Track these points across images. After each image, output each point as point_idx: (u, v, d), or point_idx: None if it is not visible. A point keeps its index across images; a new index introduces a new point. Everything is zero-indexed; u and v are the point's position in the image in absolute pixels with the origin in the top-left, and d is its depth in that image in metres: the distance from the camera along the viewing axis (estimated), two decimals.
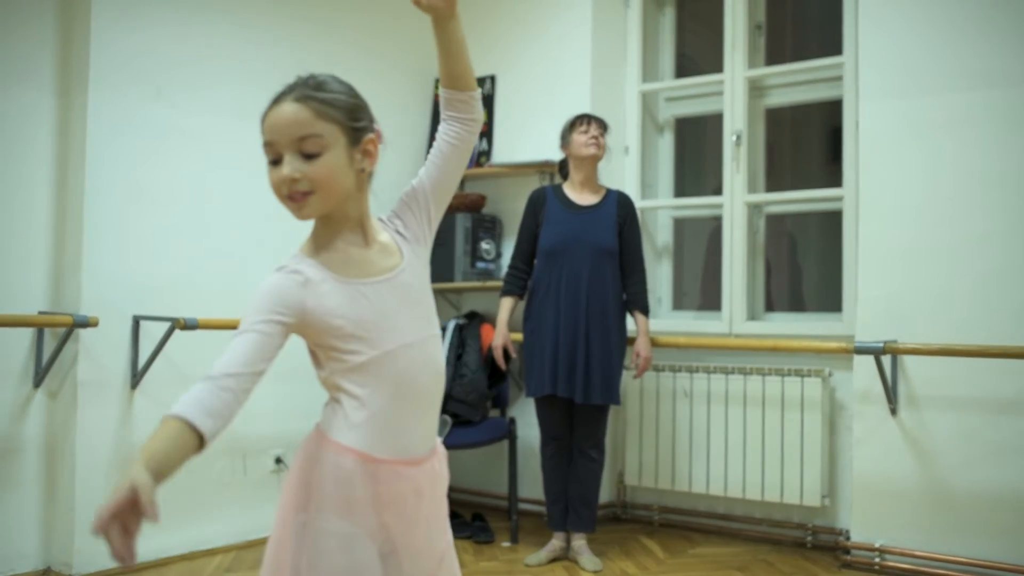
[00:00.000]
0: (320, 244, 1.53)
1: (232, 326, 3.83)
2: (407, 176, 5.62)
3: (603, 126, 3.95)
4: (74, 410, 3.60)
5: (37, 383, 3.59)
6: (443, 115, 1.71)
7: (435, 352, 1.57)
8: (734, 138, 4.41)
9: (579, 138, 3.89)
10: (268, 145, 1.49)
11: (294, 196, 1.48)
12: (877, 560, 3.76)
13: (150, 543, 3.72)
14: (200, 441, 1.32)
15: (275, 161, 1.48)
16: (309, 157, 1.47)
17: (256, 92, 4.20)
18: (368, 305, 1.49)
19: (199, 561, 3.85)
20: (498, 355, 4.03)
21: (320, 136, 1.47)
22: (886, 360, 3.72)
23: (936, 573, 3.62)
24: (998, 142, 3.59)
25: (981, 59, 3.64)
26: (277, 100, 1.50)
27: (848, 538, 3.89)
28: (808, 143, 5.40)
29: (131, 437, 3.73)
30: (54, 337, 3.61)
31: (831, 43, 4.35)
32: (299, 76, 1.53)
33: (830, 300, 4.57)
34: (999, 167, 3.59)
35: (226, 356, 1.37)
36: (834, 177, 4.37)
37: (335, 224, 1.54)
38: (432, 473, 1.56)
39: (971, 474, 3.60)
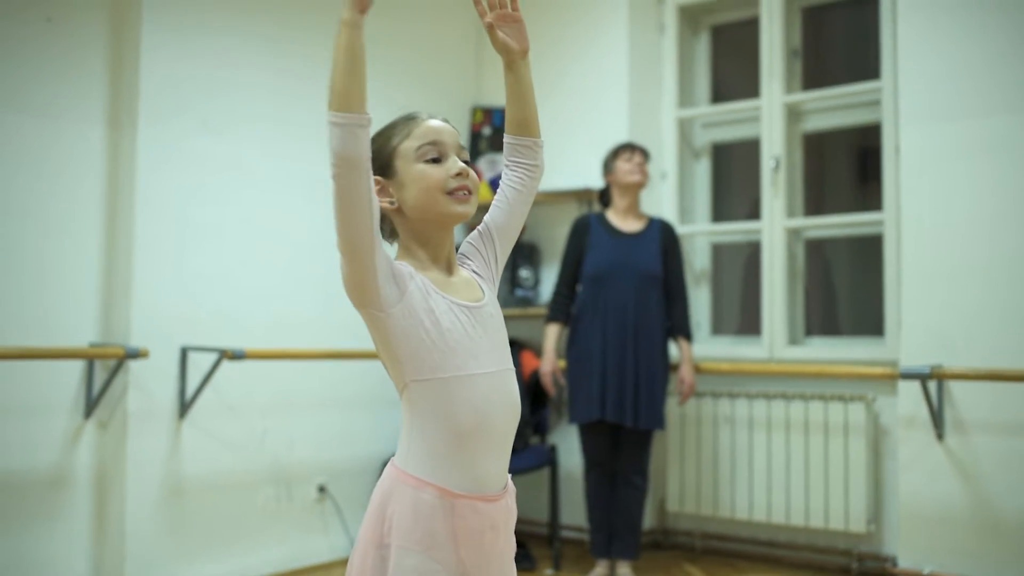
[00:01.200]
0: (411, 265, 1.57)
1: (278, 356, 3.89)
2: None
3: (646, 154, 3.98)
4: (124, 441, 3.64)
5: (88, 414, 3.64)
6: (507, 161, 1.74)
7: (512, 386, 1.60)
8: (773, 163, 4.42)
9: (624, 166, 3.92)
10: (434, 144, 1.56)
11: (466, 188, 1.55)
12: None
13: (197, 572, 3.78)
14: (362, 107, 1.43)
15: (436, 160, 1.56)
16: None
17: (301, 126, 4.30)
18: (458, 322, 1.53)
19: None
20: (547, 382, 4.04)
21: (467, 151, 1.61)
22: (932, 385, 3.71)
23: None
24: None
25: (1021, 81, 3.64)
26: (421, 116, 1.61)
27: (895, 564, 3.87)
28: (839, 167, 5.40)
29: (180, 467, 3.77)
30: (104, 368, 3.65)
31: (863, 68, 4.37)
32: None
33: (866, 324, 4.56)
34: None
35: None
36: (865, 200, 4.37)
37: (422, 248, 1.58)
38: (506, 510, 1.58)
39: (1020, 499, 3.58)
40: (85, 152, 3.68)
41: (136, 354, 3.54)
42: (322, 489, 4.28)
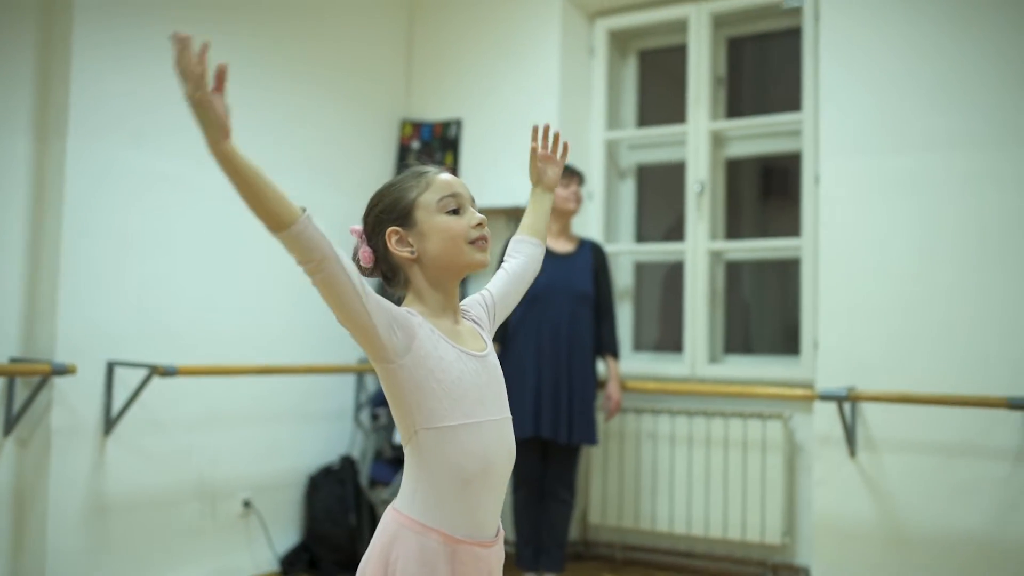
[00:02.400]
0: (428, 316, 1.61)
1: (210, 372, 3.84)
2: None
3: (582, 180, 4.07)
4: (46, 459, 3.53)
5: (7, 431, 3.52)
6: (511, 250, 1.91)
7: (510, 434, 1.65)
8: (698, 187, 4.57)
9: (560, 192, 3.99)
10: (453, 197, 1.62)
11: (485, 238, 1.63)
12: None
13: None
14: (298, 213, 1.44)
15: (455, 211, 1.61)
16: None
17: (234, 139, 4.23)
18: (465, 372, 1.57)
19: None
20: None
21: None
22: (846, 405, 3.91)
23: None
24: (954, 201, 3.81)
25: (938, 120, 3.86)
26: (434, 169, 1.68)
27: (809, 575, 4.05)
28: (751, 186, 5.61)
29: (104, 485, 3.68)
30: (25, 384, 3.54)
31: (785, 98, 4.56)
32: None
33: (780, 343, 4.76)
34: (955, 224, 3.81)
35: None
36: (774, 216, 4.56)
37: (437, 295, 1.63)
38: (500, 554, 1.63)
39: (927, 514, 3.80)
40: (9, 164, 3.56)
41: (64, 370, 3.44)
42: (247, 504, 4.24)
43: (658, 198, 5.21)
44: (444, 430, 1.53)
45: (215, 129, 1.37)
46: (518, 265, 1.88)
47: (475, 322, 1.73)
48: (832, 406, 3.92)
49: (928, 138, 3.87)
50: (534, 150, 1.90)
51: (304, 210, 1.42)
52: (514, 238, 1.93)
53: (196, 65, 1.36)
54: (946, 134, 3.84)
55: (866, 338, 3.95)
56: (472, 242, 1.62)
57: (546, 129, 1.93)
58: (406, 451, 1.58)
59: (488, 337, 1.72)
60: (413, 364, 1.52)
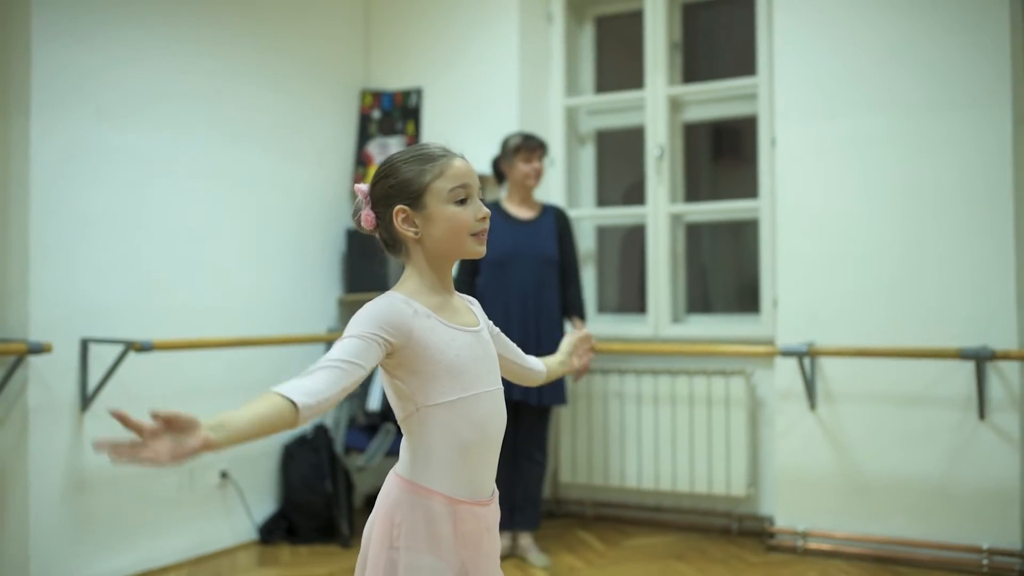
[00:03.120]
0: (415, 290, 1.67)
1: (184, 346, 3.87)
2: (333, 189, 5.75)
3: (545, 151, 4.14)
4: (25, 437, 3.56)
5: None
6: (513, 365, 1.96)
7: (502, 403, 1.74)
8: (657, 152, 4.67)
9: (523, 167, 4.06)
10: (464, 187, 1.66)
11: (485, 231, 1.69)
12: (800, 543, 4.10)
13: (103, 564, 3.75)
14: (295, 411, 1.41)
15: (462, 201, 1.66)
16: None
17: (197, 112, 4.26)
18: (462, 348, 1.65)
19: None
20: None
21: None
22: (806, 360, 4.06)
23: (853, 552, 4.00)
24: (908, 161, 3.96)
25: (890, 83, 3.99)
26: (449, 154, 1.68)
27: (773, 523, 4.23)
28: (707, 147, 5.72)
29: (82, 461, 3.72)
30: (1, 364, 3.55)
31: (741, 63, 4.66)
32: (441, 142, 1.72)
33: (741, 302, 4.90)
34: (904, 184, 3.97)
35: (336, 349, 1.52)
36: (744, 187, 4.68)
37: (434, 275, 1.69)
38: (496, 512, 1.73)
39: (883, 461, 3.98)
40: None
41: (39, 349, 3.46)
42: (224, 475, 4.30)
43: (618, 163, 5.30)
44: (445, 405, 1.61)
45: (200, 449, 1.30)
46: (521, 361, 1.97)
47: (469, 302, 1.79)
48: (792, 361, 4.08)
49: (880, 100, 4.01)
50: (576, 349, 2.10)
51: (293, 403, 1.41)
52: (535, 361, 2.02)
53: (161, 456, 1.27)
54: (897, 96, 3.98)
55: (823, 295, 4.10)
56: (474, 234, 1.68)
57: (589, 344, 2.14)
58: (405, 424, 1.65)
59: (481, 315, 1.79)
60: (408, 358, 1.59)
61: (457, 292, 1.77)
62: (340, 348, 1.52)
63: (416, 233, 1.66)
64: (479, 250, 1.69)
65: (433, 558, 1.61)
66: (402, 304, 1.62)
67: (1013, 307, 3.78)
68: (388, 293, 1.66)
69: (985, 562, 3.77)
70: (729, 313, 4.87)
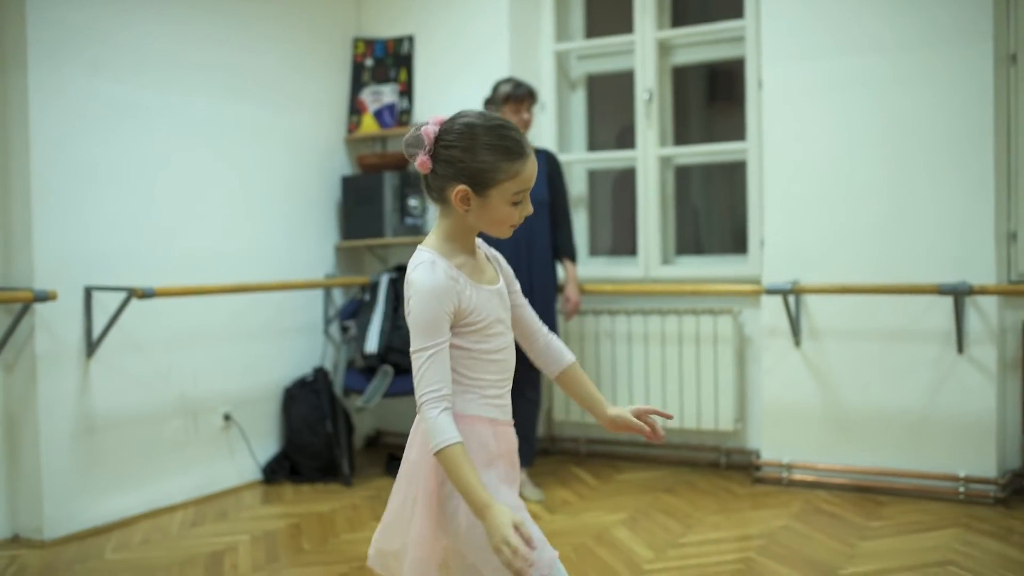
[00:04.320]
0: (450, 250, 1.78)
1: (186, 292, 3.97)
2: (328, 138, 5.81)
3: (534, 100, 4.19)
4: (33, 383, 3.68)
5: None
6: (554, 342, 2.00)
7: (514, 345, 1.89)
8: (646, 95, 4.73)
9: (512, 117, 4.12)
10: (525, 191, 1.76)
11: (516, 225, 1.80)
12: (785, 474, 4.25)
13: (114, 504, 3.90)
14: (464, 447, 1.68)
15: (516, 203, 1.75)
16: None
17: (192, 63, 4.32)
18: (490, 306, 1.79)
19: (163, 518, 4.02)
20: None
21: None
22: (791, 298, 4.17)
23: (836, 482, 4.14)
24: (890, 101, 4.03)
25: (871, 25, 4.05)
26: (526, 154, 1.74)
27: (759, 457, 4.37)
28: (699, 92, 5.77)
29: (90, 405, 3.85)
30: (7, 312, 3.67)
31: (729, 5, 4.70)
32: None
33: (731, 243, 4.99)
34: (887, 124, 4.03)
35: (430, 371, 1.69)
36: (734, 129, 4.75)
37: (466, 237, 1.80)
38: (515, 434, 1.91)
39: (865, 395, 4.11)
40: None
41: (45, 296, 3.57)
42: (227, 417, 4.44)
43: (609, 107, 5.36)
44: (482, 351, 1.78)
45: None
46: (539, 335, 1.98)
47: (487, 257, 1.89)
48: (778, 300, 4.18)
49: (864, 40, 4.06)
50: (641, 421, 2.03)
51: (455, 443, 1.66)
52: (560, 352, 2.00)
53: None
54: (881, 36, 4.03)
55: (808, 235, 4.19)
56: (510, 226, 1.79)
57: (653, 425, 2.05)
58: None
59: (504, 269, 1.92)
60: (463, 318, 1.75)
61: (481, 251, 1.88)
62: (443, 369, 1.70)
63: (467, 211, 1.75)
64: (505, 235, 1.81)
65: (487, 473, 1.76)
66: (448, 282, 1.72)
67: (992, 244, 3.87)
68: (431, 260, 1.73)
69: (962, 489, 3.91)
70: (722, 254, 4.96)
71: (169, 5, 4.18)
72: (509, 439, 1.85)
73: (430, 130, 1.74)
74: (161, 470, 4.15)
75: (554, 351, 1.97)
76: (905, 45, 3.99)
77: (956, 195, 3.92)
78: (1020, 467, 3.99)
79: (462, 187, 1.71)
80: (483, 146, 1.70)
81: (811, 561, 3.28)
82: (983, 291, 3.74)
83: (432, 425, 1.66)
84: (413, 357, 1.70)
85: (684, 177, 5.15)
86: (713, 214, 5.51)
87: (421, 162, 1.74)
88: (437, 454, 1.65)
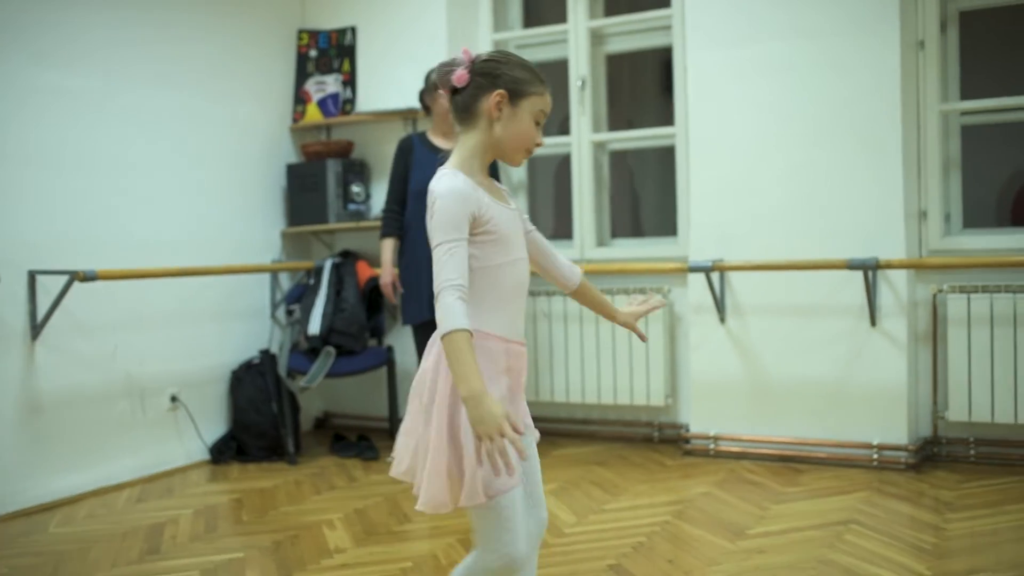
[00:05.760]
0: (469, 169, 1.92)
1: (129, 276, 4.10)
2: (273, 126, 5.92)
3: None
4: None
5: None
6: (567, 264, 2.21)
7: (528, 268, 2.03)
8: (579, 83, 4.89)
9: (443, 102, 4.23)
10: (544, 115, 1.94)
11: (531, 153, 1.98)
12: (712, 446, 4.42)
13: (61, 483, 4.03)
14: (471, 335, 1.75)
15: (537, 124, 1.94)
16: None
17: (136, 53, 4.42)
18: (506, 222, 1.93)
19: (109, 495, 4.15)
20: (388, 292, 4.40)
21: None
22: (715, 276, 4.34)
23: (759, 452, 4.32)
24: (807, 86, 4.20)
25: (791, 12, 4.22)
26: (547, 87, 1.94)
27: (688, 430, 4.54)
28: (642, 84, 5.94)
29: (36, 386, 3.97)
30: None
31: None
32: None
33: (667, 225, 5.15)
34: (807, 108, 4.21)
35: (449, 263, 1.78)
36: (668, 115, 4.91)
37: (484, 157, 1.94)
38: (526, 354, 2.04)
39: (785, 368, 4.29)
40: None
41: None
42: (174, 399, 4.56)
43: (556, 95, 5.50)
44: (493, 267, 1.90)
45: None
46: (555, 263, 2.17)
47: (506, 191, 2.06)
48: (703, 278, 4.35)
49: (780, 28, 4.24)
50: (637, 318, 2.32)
51: (463, 329, 1.73)
52: (571, 268, 2.21)
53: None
54: (796, 23, 4.20)
55: (732, 215, 4.37)
56: (526, 150, 1.95)
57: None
58: None
59: (513, 201, 2.07)
60: (475, 227, 1.87)
61: (493, 181, 2.03)
62: (461, 261, 1.79)
63: (497, 118, 1.91)
64: (518, 162, 1.99)
65: (495, 386, 1.88)
66: (470, 189, 1.86)
67: (902, 221, 4.05)
68: (453, 173, 1.87)
69: (875, 456, 4.10)
70: (660, 236, 5.12)
71: None
72: (519, 357, 1.96)
73: (469, 51, 1.95)
74: (109, 450, 4.27)
75: (567, 270, 2.18)
76: (820, 32, 4.16)
77: (868, 175, 4.10)
78: (931, 434, 4.19)
79: (500, 91, 1.89)
80: (520, 66, 1.92)
81: (724, 523, 3.45)
82: (888, 265, 3.93)
83: (447, 310, 1.73)
84: (434, 252, 1.79)
85: (626, 162, 5.30)
86: (652, 198, 5.68)
87: (459, 76, 1.90)
88: (444, 337, 1.72)
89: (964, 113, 4.26)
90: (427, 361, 1.91)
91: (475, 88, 1.90)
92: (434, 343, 1.90)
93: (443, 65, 1.94)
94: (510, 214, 1.95)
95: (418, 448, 1.88)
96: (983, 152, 4.64)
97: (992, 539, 3.17)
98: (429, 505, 1.83)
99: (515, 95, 1.89)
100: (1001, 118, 4.30)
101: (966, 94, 4.27)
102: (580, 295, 2.24)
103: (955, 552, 3.06)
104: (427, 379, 1.89)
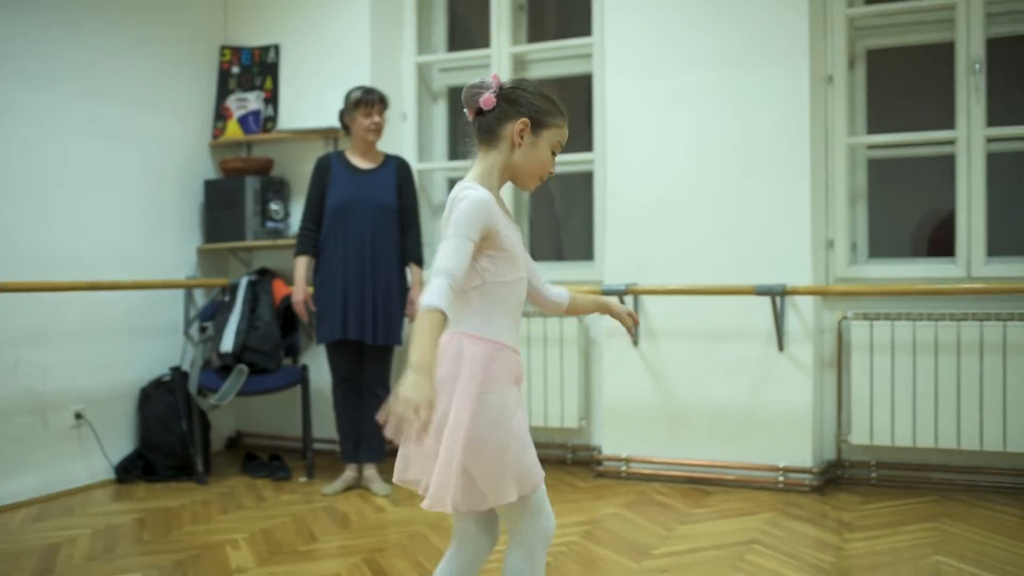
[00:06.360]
0: (488, 188, 1.98)
1: (35, 288, 3.99)
2: (192, 142, 5.88)
3: (385, 105, 4.34)
4: None
5: None
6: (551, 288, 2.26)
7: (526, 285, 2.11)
8: None
9: (363, 121, 4.26)
10: (560, 146, 2.04)
11: (543, 181, 2.08)
12: (624, 468, 4.46)
13: None
14: (445, 319, 1.80)
15: (554, 154, 2.04)
16: None
17: (55, 65, 4.35)
18: (517, 242, 2.00)
19: (5, 515, 4.02)
20: (300, 309, 4.37)
21: None
22: (629, 300, 4.39)
23: (670, 475, 4.37)
24: (721, 116, 4.31)
25: (707, 44, 4.33)
26: (564, 113, 2.03)
27: (600, 452, 4.57)
28: (568, 110, 6.00)
29: None
30: None
31: (582, 24, 4.94)
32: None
33: (588, 250, 5.21)
34: (717, 137, 4.31)
35: (453, 255, 1.83)
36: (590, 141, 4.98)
37: (499, 178, 2.02)
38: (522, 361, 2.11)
39: (696, 391, 4.35)
40: None
41: None
42: (79, 416, 4.45)
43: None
44: (507, 283, 1.99)
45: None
46: (543, 289, 2.21)
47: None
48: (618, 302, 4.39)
49: (696, 59, 4.34)
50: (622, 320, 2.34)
51: (439, 310, 1.77)
52: (558, 289, 2.26)
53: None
54: (712, 55, 4.32)
55: (646, 240, 4.44)
56: (540, 177, 2.05)
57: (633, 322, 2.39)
58: (468, 294, 1.96)
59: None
60: (489, 242, 1.93)
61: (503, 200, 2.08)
62: (463, 254, 1.85)
63: (519, 145, 1.99)
64: (532, 188, 2.09)
65: (512, 393, 1.97)
66: (494, 204, 1.94)
67: (809, 250, 4.16)
68: (474, 186, 1.95)
69: (781, 479, 4.18)
70: (581, 260, 5.17)
71: (34, 5, 4.23)
72: (519, 364, 2.03)
73: (498, 76, 2.03)
74: (6, 467, 4.14)
75: (556, 293, 2.24)
76: (734, 64, 4.27)
77: (778, 204, 4.21)
78: (835, 457, 4.28)
79: (524, 120, 1.97)
80: (547, 100, 2.01)
81: (629, 543, 3.48)
82: (795, 292, 4.03)
83: (435, 289, 1.78)
84: (444, 241, 1.86)
85: (546, 186, 5.34)
86: (575, 221, 5.73)
87: (486, 99, 1.98)
88: (422, 309, 1.77)
89: (871, 147, 4.40)
90: (440, 371, 1.93)
91: (500, 113, 1.99)
92: (444, 352, 1.95)
93: (472, 87, 2.01)
94: (518, 235, 2.03)
95: (428, 453, 1.92)
96: (894, 184, 4.80)
97: (890, 558, 3.24)
98: (435, 503, 1.92)
99: (537, 125, 1.98)
100: (907, 152, 4.46)
101: (873, 128, 4.42)
102: (572, 310, 2.30)
103: (853, 570, 3.12)
104: (443, 389, 1.92)
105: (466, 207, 1.88)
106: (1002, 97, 4.23)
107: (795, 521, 3.73)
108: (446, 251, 1.84)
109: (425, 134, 5.27)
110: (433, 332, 1.77)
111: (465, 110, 2.04)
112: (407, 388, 1.71)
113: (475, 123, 2.03)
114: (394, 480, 2.03)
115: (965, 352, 3.98)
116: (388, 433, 1.70)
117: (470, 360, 1.94)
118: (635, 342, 4.44)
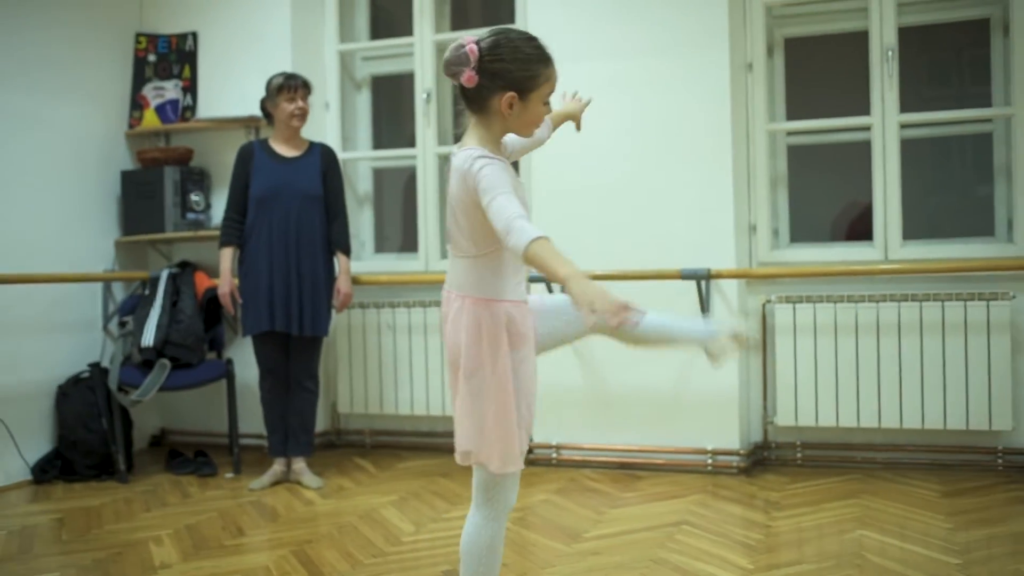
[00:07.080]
0: (484, 144, 2.00)
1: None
2: (108, 132, 5.77)
3: (309, 90, 4.27)
4: None
5: None
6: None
7: None
8: (424, 96, 4.90)
9: (286, 107, 4.18)
10: (553, 91, 2.04)
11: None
12: (555, 455, 4.47)
13: None
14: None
15: (545, 102, 2.04)
16: None
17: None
18: (524, 199, 2.00)
19: None
20: (226, 302, 4.27)
21: None
22: (556, 287, 4.40)
23: (600, 460, 4.40)
24: (644, 103, 4.34)
25: (627, 32, 4.35)
26: (552, 59, 2.03)
27: (531, 440, 4.57)
28: None
29: None
30: None
31: (505, 11, 4.93)
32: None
33: None
34: (640, 124, 4.35)
35: (509, 204, 1.87)
36: None
37: (497, 136, 2.06)
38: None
39: (624, 378, 4.38)
40: None
41: None
42: None
43: (402, 108, 5.49)
44: None
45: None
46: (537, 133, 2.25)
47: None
48: (542, 288, 4.41)
49: (617, 46, 4.37)
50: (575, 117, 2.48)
51: (543, 237, 1.84)
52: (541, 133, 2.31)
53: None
54: (633, 42, 4.35)
55: (572, 227, 4.44)
56: (536, 124, 2.07)
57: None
58: (482, 259, 2.02)
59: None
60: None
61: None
62: (508, 206, 1.87)
63: (509, 115, 1.98)
64: (531, 135, 2.12)
65: (529, 348, 2.06)
66: (507, 165, 1.97)
67: (732, 234, 4.22)
68: (483, 151, 1.96)
69: (709, 461, 4.23)
70: None
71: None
72: (529, 314, 2.11)
73: (475, 49, 1.96)
74: None
75: (542, 133, 2.34)
76: (655, 51, 4.31)
77: (702, 190, 4.26)
78: (762, 439, 4.36)
79: (510, 94, 1.95)
80: (526, 57, 1.98)
81: (561, 527, 3.49)
82: (719, 275, 4.08)
83: (524, 230, 1.81)
84: (493, 202, 1.87)
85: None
86: None
87: (468, 77, 1.95)
88: (531, 244, 1.80)
89: (790, 133, 4.48)
90: (459, 336, 2.02)
91: (484, 89, 1.98)
92: (460, 320, 2.02)
93: (450, 62, 1.98)
94: (523, 192, 2.05)
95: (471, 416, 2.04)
96: (815, 171, 4.89)
97: (815, 534, 3.31)
98: (460, 456, 2.09)
99: (523, 91, 1.97)
100: (825, 139, 4.55)
101: (792, 115, 4.50)
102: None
103: (780, 547, 3.18)
104: (469, 352, 2.00)
105: (488, 171, 1.89)
106: (914, 84, 4.35)
107: (723, 502, 3.78)
108: (502, 206, 1.85)
109: (348, 123, 5.20)
110: (556, 252, 1.81)
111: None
112: (582, 295, 1.75)
113: (462, 94, 2.02)
114: (458, 463, 2.14)
115: (884, 333, 4.08)
116: (627, 319, 1.75)
117: (472, 318, 2.01)
118: None
